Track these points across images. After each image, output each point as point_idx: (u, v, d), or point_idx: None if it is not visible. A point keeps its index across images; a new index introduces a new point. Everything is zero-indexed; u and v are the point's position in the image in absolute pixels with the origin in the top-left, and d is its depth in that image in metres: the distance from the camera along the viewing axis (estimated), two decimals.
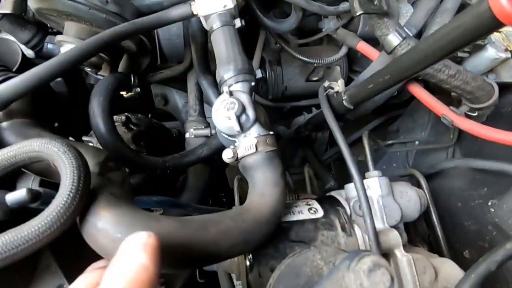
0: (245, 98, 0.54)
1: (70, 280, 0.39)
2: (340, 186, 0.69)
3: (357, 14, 0.58)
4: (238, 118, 0.52)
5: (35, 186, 0.45)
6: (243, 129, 0.53)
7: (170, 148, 0.88)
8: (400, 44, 0.59)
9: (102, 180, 0.41)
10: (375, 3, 0.58)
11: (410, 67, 0.50)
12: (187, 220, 0.42)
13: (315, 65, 0.90)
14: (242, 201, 0.85)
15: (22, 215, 0.36)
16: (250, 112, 0.53)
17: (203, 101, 0.93)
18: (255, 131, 0.54)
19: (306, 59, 0.88)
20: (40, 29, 0.74)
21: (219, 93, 0.88)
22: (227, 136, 0.57)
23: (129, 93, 0.78)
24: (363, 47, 0.80)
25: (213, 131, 0.87)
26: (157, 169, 0.73)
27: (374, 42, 0.84)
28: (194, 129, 0.86)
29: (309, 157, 1.20)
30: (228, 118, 0.52)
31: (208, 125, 0.89)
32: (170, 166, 0.76)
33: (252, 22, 0.81)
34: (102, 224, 0.37)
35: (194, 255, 0.41)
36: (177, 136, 1.18)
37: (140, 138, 0.86)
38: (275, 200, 0.50)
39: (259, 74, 0.60)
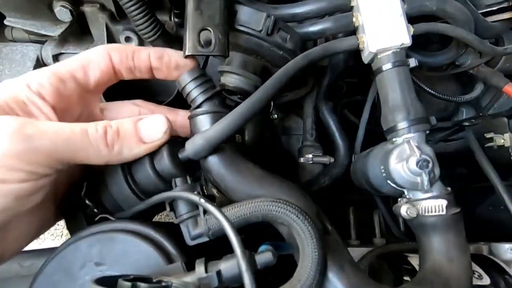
0: (431, 153, 0.51)
1: None
2: None
3: None
4: (429, 174, 0.49)
5: None
6: (430, 185, 0.50)
7: None
8: None
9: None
10: None
11: None
12: None
13: (447, 100, 0.84)
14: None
15: None
16: (437, 169, 0.50)
17: (318, 126, 0.91)
18: (438, 189, 0.51)
19: (438, 94, 0.83)
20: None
21: (338, 121, 0.87)
22: (396, 186, 0.54)
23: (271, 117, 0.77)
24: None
25: (331, 159, 0.85)
26: None
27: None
28: (314, 156, 0.84)
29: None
30: (417, 175, 0.49)
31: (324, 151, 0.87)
32: None
33: None
34: None
35: None
36: None
37: None
38: (466, 266, 0.47)
39: (434, 121, 0.57)
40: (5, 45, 0.75)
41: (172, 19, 0.85)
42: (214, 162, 0.47)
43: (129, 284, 0.27)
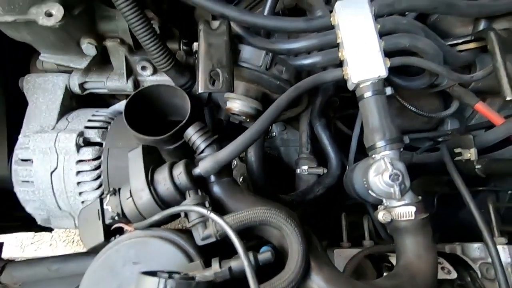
0: (402, 168, 0.61)
1: None
2: None
3: (507, 99, 0.63)
4: (400, 186, 0.59)
5: None
6: (401, 195, 0.60)
7: None
8: None
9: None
10: None
11: None
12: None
13: (426, 116, 0.95)
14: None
15: None
16: (407, 181, 0.60)
17: (313, 140, 1.01)
18: (409, 197, 0.61)
19: (417, 110, 0.94)
20: (193, 75, 0.87)
21: (331, 135, 0.97)
22: (375, 195, 0.65)
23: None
24: (483, 108, 0.84)
25: (325, 170, 0.95)
26: (286, 206, 0.83)
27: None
28: (309, 167, 0.95)
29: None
30: (389, 186, 0.60)
31: (318, 163, 0.97)
32: (295, 204, 0.85)
33: None
34: None
35: None
36: None
37: None
38: (432, 263, 0.57)
39: (407, 140, 0.67)
40: (38, 75, 0.86)
41: (181, 48, 0.96)
42: (216, 190, 0.58)
43: (166, 274, 0.37)
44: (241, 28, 0.75)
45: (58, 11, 0.63)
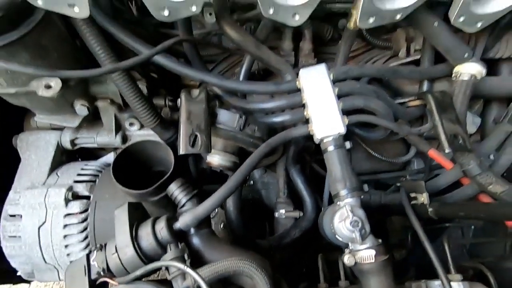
0: (362, 215, 0.69)
1: None
2: None
3: (446, 151, 0.74)
4: (360, 231, 0.67)
5: None
6: (362, 240, 0.68)
7: None
8: (480, 174, 0.75)
9: None
10: (460, 142, 0.75)
11: None
12: None
13: (386, 161, 1.06)
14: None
15: None
16: (367, 226, 0.68)
17: (290, 185, 1.09)
18: (370, 241, 0.69)
19: (380, 156, 1.04)
20: (177, 129, 0.95)
21: (306, 180, 1.06)
22: (341, 240, 0.72)
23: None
24: (435, 155, 0.95)
25: (301, 213, 1.02)
26: (264, 251, 0.88)
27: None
28: (286, 211, 1.02)
29: None
30: (351, 232, 0.67)
31: (295, 207, 1.04)
32: (273, 248, 0.90)
33: None
34: None
35: None
36: None
37: None
38: None
39: (366, 188, 0.76)
40: (31, 133, 0.93)
41: (167, 104, 1.06)
42: (195, 242, 0.64)
43: None
44: (221, 90, 0.86)
45: (56, 84, 0.71)
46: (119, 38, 0.75)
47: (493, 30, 0.87)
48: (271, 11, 0.67)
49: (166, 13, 0.65)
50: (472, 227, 1.18)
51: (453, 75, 0.85)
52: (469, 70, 0.82)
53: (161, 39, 0.87)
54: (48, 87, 0.71)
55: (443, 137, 0.74)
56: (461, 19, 0.72)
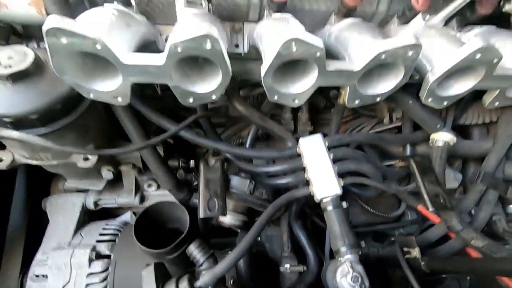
0: (361, 270, 0.78)
1: None
2: None
3: (430, 210, 0.85)
4: (360, 286, 0.75)
5: None
6: None
7: None
8: (462, 229, 0.85)
9: None
10: (441, 201, 0.86)
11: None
12: None
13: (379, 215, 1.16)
14: None
15: None
16: (366, 281, 0.76)
17: (293, 239, 1.17)
18: None
19: (374, 211, 1.15)
20: (190, 189, 1.06)
21: (308, 234, 1.14)
22: None
23: None
24: (423, 210, 1.06)
25: (305, 268, 1.09)
26: None
27: None
28: (291, 266, 1.08)
29: None
30: (353, 287, 0.75)
31: (299, 261, 1.11)
32: None
33: None
34: None
35: None
36: None
37: None
38: None
39: (363, 244, 0.85)
40: (59, 196, 1.03)
41: (180, 166, 1.18)
42: None
43: None
44: (231, 155, 0.99)
45: (93, 156, 0.84)
46: (149, 117, 0.89)
47: (459, 104, 1.04)
48: (275, 98, 0.82)
49: (191, 100, 0.80)
50: (468, 278, 1.24)
51: (430, 141, 1.00)
52: (443, 137, 0.97)
53: (179, 111, 1.02)
54: (86, 159, 0.84)
55: (426, 197, 0.86)
56: (430, 99, 0.88)
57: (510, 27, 1.00)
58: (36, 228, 0.99)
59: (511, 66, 0.85)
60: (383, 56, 0.72)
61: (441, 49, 0.80)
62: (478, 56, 0.74)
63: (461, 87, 0.87)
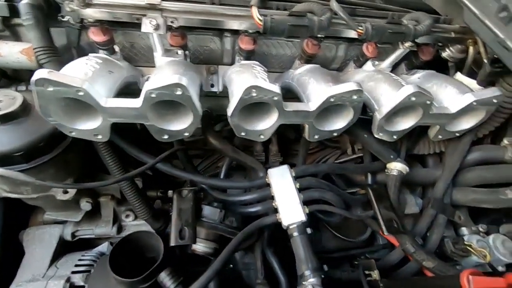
0: None
1: None
2: None
3: (385, 234, 0.93)
4: None
5: None
6: None
7: None
8: (415, 251, 0.93)
9: None
10: (395, 225, 0.95)
11: None
12: None
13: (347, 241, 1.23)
14: None
15: None
16: None
17: (267, 265, 1.22)
18: None
19: (346, 238, 1.22)
20: (166, 219, 1.11)
21: (280, 262, 1.19)
22: None
23: None
24: (388, 236, 1.14)
25: None
26: None
27: None
28: None
29: None
30: None
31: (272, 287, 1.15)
32: None
33: None
34: None
35: None
36: None
37: None
38: None
39: (326, 268, 0.92)
40: (37, 228, 1.06)
41: (158, 196, 1.24)
42: None
43: None
44: (206, 186, 1.06)
45: (72, 190, 0.89)
46: (128, 151, 0.96)
47: (411, 137, 1.17)
48: (243, 134, 0.92)
49: (166, 137, 0.88)
50: None
51: (386, 170, 1.11)
52: (396, 167, 1.08)
53: (159, 142, 1.10)
54: (66, 192, 0.89)
55: (381, 222, 0.95)
56: (380, 134, 1.00)
57: (449, 70, 1.17)
58: (11, 261, 1.00)
59: (447, 105, 0.99)
60: (332, 99, 0.84)
61: (385, 91, 0.93)
62: (413, 98, 0.87)
63: (406, 123, 0.99)
